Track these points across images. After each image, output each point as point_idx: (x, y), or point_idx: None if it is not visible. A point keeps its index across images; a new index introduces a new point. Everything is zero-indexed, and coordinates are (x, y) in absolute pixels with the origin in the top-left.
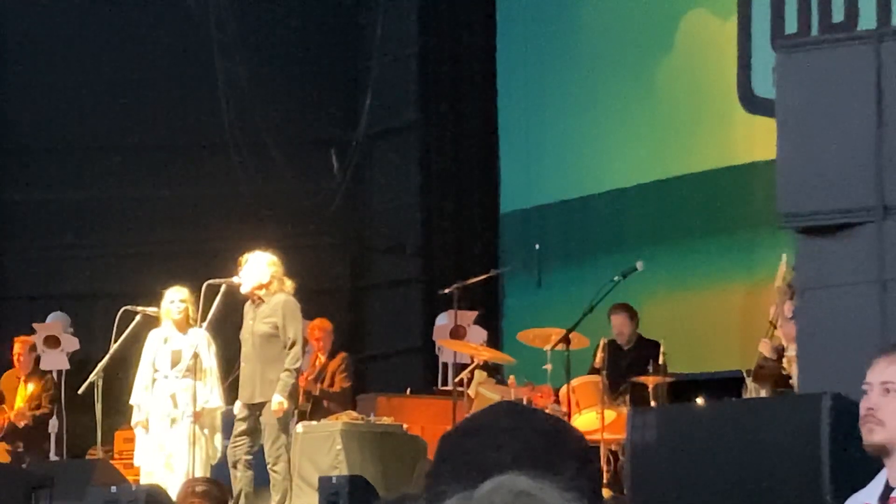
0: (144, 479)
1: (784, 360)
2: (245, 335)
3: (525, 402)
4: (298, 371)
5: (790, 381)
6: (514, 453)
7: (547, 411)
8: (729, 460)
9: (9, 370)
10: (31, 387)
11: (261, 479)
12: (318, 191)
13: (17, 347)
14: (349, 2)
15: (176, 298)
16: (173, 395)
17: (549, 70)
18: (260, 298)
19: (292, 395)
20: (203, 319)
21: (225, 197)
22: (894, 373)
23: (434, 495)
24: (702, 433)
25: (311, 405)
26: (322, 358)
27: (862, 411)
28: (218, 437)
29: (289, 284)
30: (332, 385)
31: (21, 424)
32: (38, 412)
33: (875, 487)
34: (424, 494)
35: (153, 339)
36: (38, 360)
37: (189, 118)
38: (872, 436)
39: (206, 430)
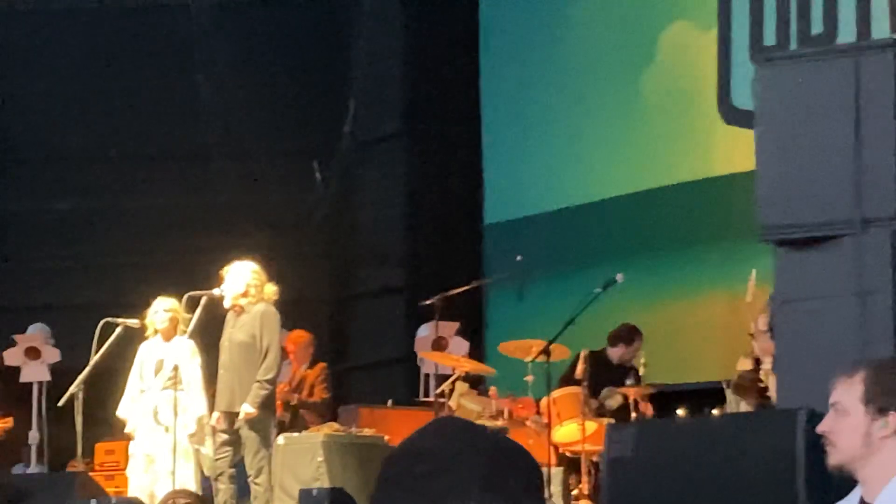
0: (133, 492)
1: (761, 373)
2: (224, 343)
3: (505, 413)
4: (273, 382)
5: (768, 393)
6: (462, 477)
7: (489, 426)
8: (706, 476)
9: None
10: None
11: (241, 492)
12: (302, 201)
13: None
14: (334, 13)
15: (160, 308)
16: (155, 407)
17: (533, 81)
18: (241, 307)
19: (267, 405)
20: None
21: (208, 207)
22: (841, 393)
23: None
24: (679, 448)
25: (290, 416)
26: (301, 369)
27: None
28: (209, 444)
29: (269, 292)
30: (311, 395)
31: None
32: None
33: (850, 502)
34: None
35: (142, 350)
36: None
37: (172, 129)
38: (830, 458)
39: (200, 443)
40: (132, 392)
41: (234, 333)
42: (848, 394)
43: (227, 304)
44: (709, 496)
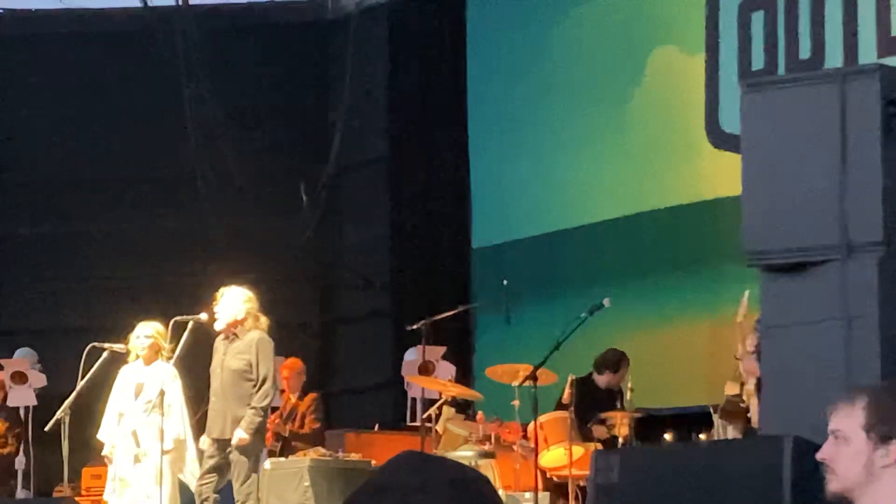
0: None
1: (743, 394)
2: (216, 369)
3: (492, 437)
4: (267, 410)
5: (749, 415)
6: None
7: (450, 457)
8: (692, 503)
9: None
10: None
11: None
12: (288, 225)
13: None
14: (319, 36)
15: (142, 334)
16: (134, 431)
17: (520, 105)
18: (234, 334)
19: (259, 432)
20: (170, 357)
21: (194, 231)
22: (840, 421)
23: None
24: (665, 475)
25: (281, 446)
26: (293, 398)
27: None
28: (185, 470)
29: (263, 321)
30: (302, 426)
31: None
32: (3, 450)
33: None
34: None
35: (122, 374)
36: (5, 396)
37: (158, 152)
38: (829, 485)
39: (180, 471)
40: (112, 415)
41: (227, 360)
42: (849, 421)
43: (219, 326)
44: None
